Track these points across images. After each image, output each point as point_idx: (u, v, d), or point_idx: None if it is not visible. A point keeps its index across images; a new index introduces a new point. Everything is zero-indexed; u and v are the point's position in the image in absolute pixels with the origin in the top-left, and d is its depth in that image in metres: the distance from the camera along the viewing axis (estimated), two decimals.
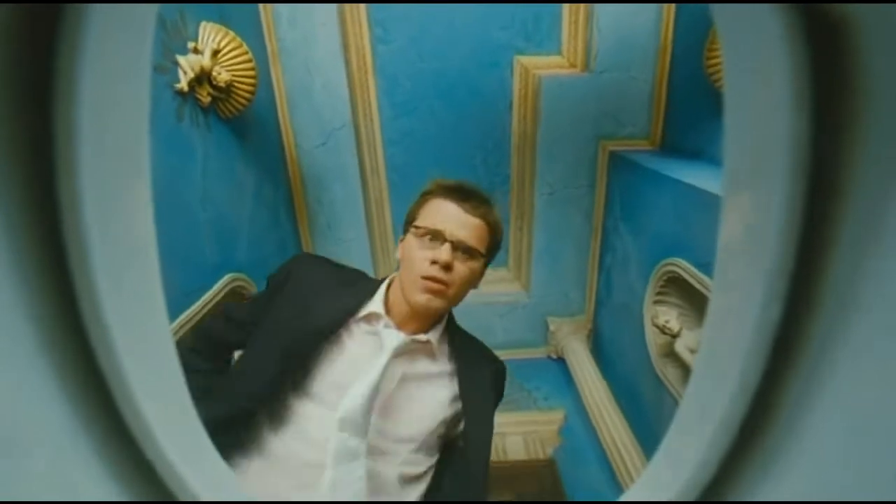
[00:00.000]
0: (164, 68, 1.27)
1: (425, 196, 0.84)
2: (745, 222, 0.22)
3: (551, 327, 2.63)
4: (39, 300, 0.18)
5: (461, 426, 0.84)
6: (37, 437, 0.18)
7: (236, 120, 1.65)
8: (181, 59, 1.32)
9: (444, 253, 0.75)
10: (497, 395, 0.95)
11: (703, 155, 1.88)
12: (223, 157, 1.61)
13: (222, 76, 1.45)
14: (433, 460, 0.84)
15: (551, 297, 2.61)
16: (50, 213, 0.18)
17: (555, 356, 2.66)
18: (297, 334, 0.76)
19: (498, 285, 2.58)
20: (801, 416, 0.21)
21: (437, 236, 0.77)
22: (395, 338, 0.77)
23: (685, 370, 1.68)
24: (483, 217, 0.80)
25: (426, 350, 0.84)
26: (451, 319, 0.91)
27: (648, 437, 1.90)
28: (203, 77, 1.41)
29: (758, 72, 0.20)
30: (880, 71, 0.17)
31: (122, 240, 0.21)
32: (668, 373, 1.74)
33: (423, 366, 0.84)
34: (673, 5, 1.97)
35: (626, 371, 2.12)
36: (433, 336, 0.83)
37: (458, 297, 0.82)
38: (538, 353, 2.71)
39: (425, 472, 0.81)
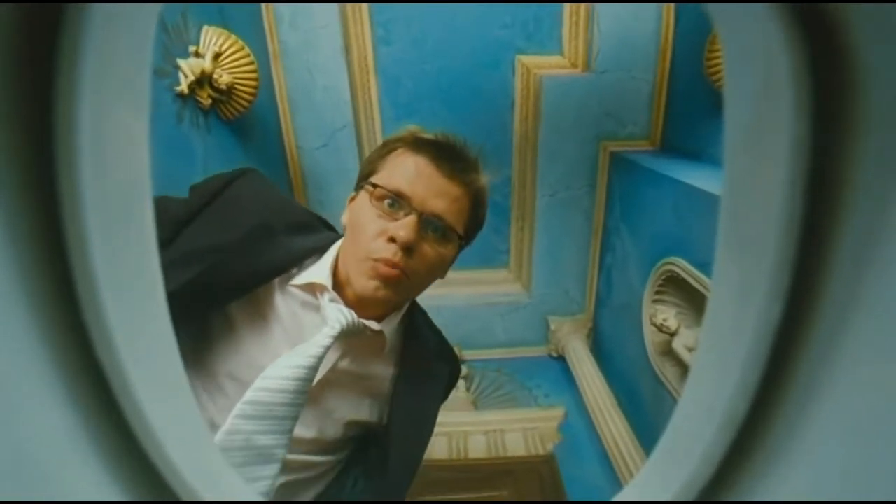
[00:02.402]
0: (165, 72, 1.27)
1: (393, 144, 0.63)
2: (745, 221, 0.22)
3: (552, 327, 2.64)
4: (40, 297, 0.18)
5: (384, 420, 0.68)
6: (36, 436, 0.18)
7: (237, 121, 1.65)
8: (182, 63, 1.32)
9: (406, 228, 0.55)
10: (444, 398, 0.80)
11: (703, 155, 1.88)
12: (224, 158, 1.61)
13: (223, 78, 1.45)
14: (335, 458, 0.67)
15: (552, 297, 2.61)
16: (51, 214, 0.18)
17: (555, 355, 2.66)
18: (205, 279, 0.53)
19: (499, 286, 2.57)
20: (800, 416, 0.21)
21: (400, 202, 0.57)
22: (343, 315, 0.58)
23: (683, 368, 1.68)
24: (467, 186, 0.61)
25: (374, 344, 0.65)
26: (413, 304, 0.72)
27: (648, 433, 1.91)
28: (204, 80, 1.41)
29: (757, 72, 0.20)
30: (881, 70, 0.17)
31: (124, 240, 0.21)
32: (667, 371, 1.75)
33: (364, 364, 0.65)
34: (672, 6, 1.97)
35: (626, 369, 2.13)
36: (388, 327, 0.64)
37: (419, 289, 0.64)
38: (538, 351, 2.72)
39: (318, 475, 0.64)
